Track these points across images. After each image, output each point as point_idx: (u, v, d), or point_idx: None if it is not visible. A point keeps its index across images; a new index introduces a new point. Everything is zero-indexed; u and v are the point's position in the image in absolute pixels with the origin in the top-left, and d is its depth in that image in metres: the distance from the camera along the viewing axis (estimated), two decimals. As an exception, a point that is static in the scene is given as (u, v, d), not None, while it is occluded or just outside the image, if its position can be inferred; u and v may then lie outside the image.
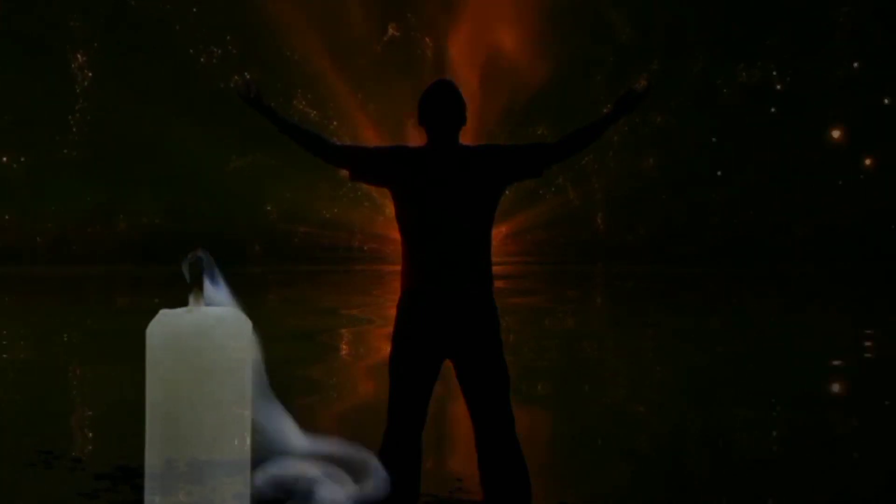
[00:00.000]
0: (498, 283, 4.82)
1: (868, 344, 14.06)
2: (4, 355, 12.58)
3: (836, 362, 12.19)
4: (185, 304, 2.93)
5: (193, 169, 34.88)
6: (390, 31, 36.68)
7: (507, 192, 4.89)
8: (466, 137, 4.88)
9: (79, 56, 35.22)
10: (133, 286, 25.38)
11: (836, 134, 34.54)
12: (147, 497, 2.87)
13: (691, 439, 7.98)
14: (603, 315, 19.27)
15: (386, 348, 4.80)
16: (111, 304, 21.05)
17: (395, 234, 4.83)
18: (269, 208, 37.48)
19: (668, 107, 35.52)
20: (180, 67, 35.19)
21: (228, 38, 36.44)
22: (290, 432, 3.31)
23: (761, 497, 6.15)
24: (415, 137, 4.91)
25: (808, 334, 15.10)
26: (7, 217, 34.79)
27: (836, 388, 10.68)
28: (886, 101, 35.01)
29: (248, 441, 2.93)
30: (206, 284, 2.94)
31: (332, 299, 20.82)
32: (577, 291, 23.57)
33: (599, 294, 23.88)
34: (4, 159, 35.33)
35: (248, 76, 4.85)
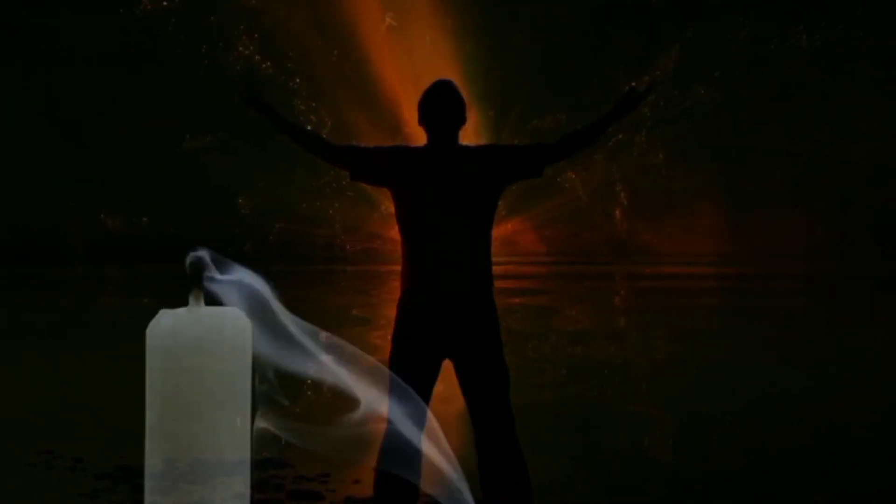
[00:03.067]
0: (505, 284, 4.80)
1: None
2: (4, 355, 12.58)
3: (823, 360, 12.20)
4: (182, 304, 2.93)
5: (142, 151, 32.65)
6: (387, 20, 35.59)
7: (513, 187, 4.89)
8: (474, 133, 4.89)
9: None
10: (123, 286, 25.36)
11: None
12: (147, 497, 2.87)
13: (693, 439, 7.98)
14: (610, 316, 19.24)
15: (385, 348, 4.80)
16: (108, 304, 21.04)
17: (385, 233, 4.84)
18: (240, 201, 35.00)
19: (712, 79, 33.15)
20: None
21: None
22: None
23: (761, 498, 6.15)
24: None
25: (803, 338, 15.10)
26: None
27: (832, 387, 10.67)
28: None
29: (249, 441, 2.93)
30: (218, 281, 2.95)
31: (330, 299, 20.80)
32: (585, 291, 23.49)
33: (609, 295, 23.79)
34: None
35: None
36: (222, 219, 32.53)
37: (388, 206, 4.78)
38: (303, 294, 20.73)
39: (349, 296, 21.41)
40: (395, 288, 4.81)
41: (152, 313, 2.91)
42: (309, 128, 5.02)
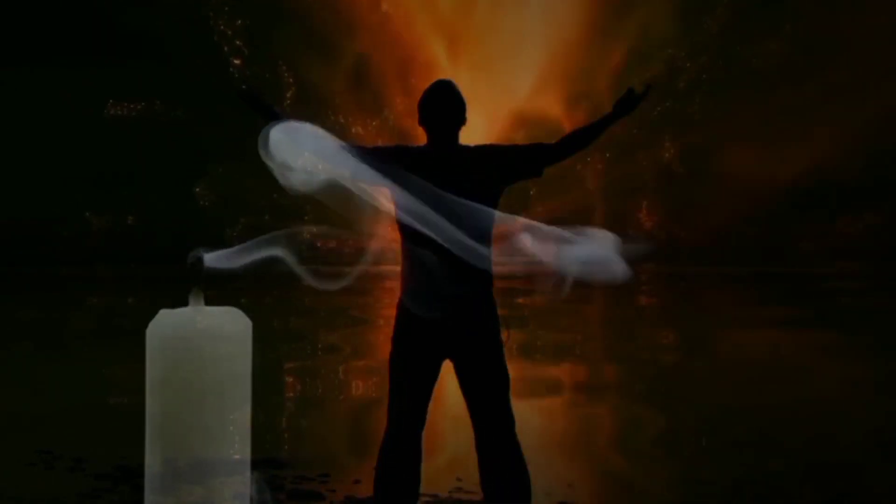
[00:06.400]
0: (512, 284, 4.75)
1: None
2: (2, 355, 12.58)
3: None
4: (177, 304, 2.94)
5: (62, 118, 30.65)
6: (384, 7, 34.59)
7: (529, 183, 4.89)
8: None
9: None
10: (119, 285, 25.30)
11: None
12: (147, 497, 2.87)
13: (690, 440, 7.98)
14: (610, 317, 19.24)
15: (385, 348, 4.81)
16: (107, 303, 21.03)
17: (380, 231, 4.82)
18: (197, 190, 31.98)
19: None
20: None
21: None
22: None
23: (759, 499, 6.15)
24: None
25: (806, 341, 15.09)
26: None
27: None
28: None
29: (249, 441, 2.93)
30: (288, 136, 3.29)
31: (328, 299, 20.75)
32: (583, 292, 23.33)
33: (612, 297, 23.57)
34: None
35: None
36: (178, 212, 30.18)
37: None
38: (293, 295, 20.63)
39: (350, 295, 21.37)
40: (393, 288, 4.81)
41: (152, 313, 2.92)
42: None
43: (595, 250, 4.19)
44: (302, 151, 4.11)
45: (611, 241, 4.24)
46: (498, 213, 4.64)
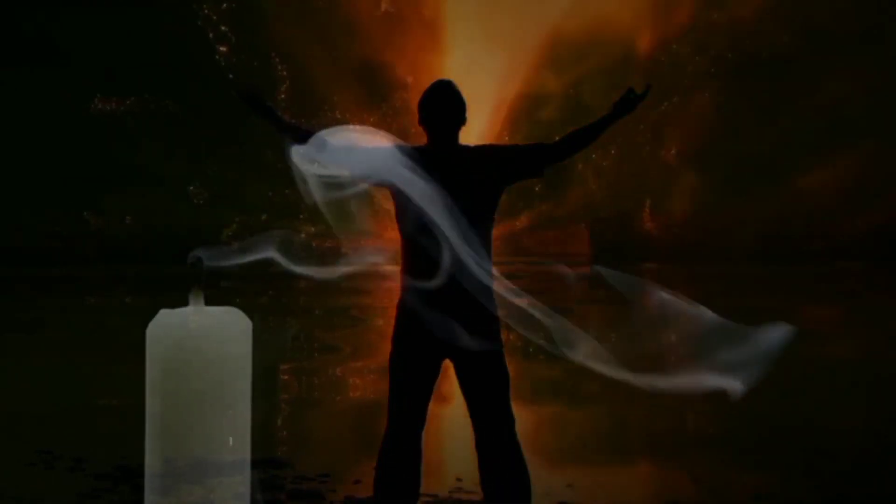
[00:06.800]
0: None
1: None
2: (2, 355, 12.58)
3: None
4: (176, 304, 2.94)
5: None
6: (383, 5, 34.16)
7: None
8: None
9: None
10: (112, 286, 25.29)
11: None
12: (147, 497, 2.87)
13: (688, 440, 7.99)
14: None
15: (385, 348, 4.80)
16: (106, 304, 21.03)
17: (381, 232, 4.83)
18: (192, 188, 31.42)
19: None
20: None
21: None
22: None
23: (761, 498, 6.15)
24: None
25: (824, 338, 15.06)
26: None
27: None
28: None
29: (248, 441, 2.93)
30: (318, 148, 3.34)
31: (328, 299, 20.78)
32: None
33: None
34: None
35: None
36: (174, 211, 29.90)
37: (385, 204, 4.73)
38: (291, 295, 20.63)
39: (349, 295, 21.39)
40: (393, 288, 4.81)
41: (152, 313, 2.91)
42: (308, 127, 4.98)
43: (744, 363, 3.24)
44: (299, 151, 4.12)
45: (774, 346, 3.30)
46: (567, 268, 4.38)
